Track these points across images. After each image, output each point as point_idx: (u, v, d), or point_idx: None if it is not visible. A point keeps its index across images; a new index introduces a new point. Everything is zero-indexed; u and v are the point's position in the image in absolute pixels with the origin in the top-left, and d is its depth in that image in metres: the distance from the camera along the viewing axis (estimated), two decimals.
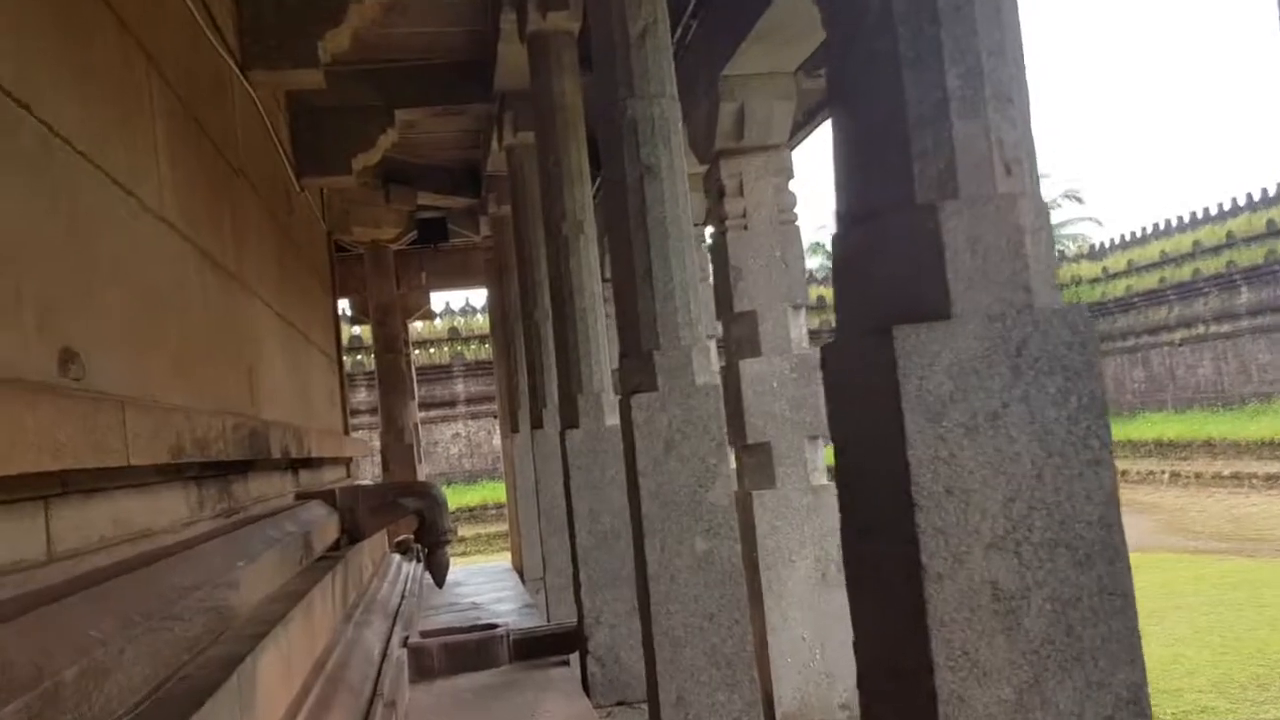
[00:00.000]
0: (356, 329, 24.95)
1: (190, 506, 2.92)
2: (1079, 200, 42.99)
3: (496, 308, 10.17)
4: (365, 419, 22.25)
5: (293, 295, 5.83)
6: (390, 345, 9.81)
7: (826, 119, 5.43)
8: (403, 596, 6.58)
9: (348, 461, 8.01)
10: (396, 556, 8.28)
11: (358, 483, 7.02)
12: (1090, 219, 41.95)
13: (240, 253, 4.18)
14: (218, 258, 3.73)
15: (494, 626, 5.22)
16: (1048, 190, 42.31)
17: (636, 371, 3.03)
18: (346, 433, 8.15)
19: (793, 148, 5.31)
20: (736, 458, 4.92)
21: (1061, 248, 33.58)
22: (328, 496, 4.82)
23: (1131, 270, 29.47)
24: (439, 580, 4.97)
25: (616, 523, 4.71)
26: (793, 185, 5.11)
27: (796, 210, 5.10)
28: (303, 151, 6.43)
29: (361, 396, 23.64)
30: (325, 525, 4.48)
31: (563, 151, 4.82)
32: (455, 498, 23.60)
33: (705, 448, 2.97)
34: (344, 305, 11.33)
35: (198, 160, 3.57)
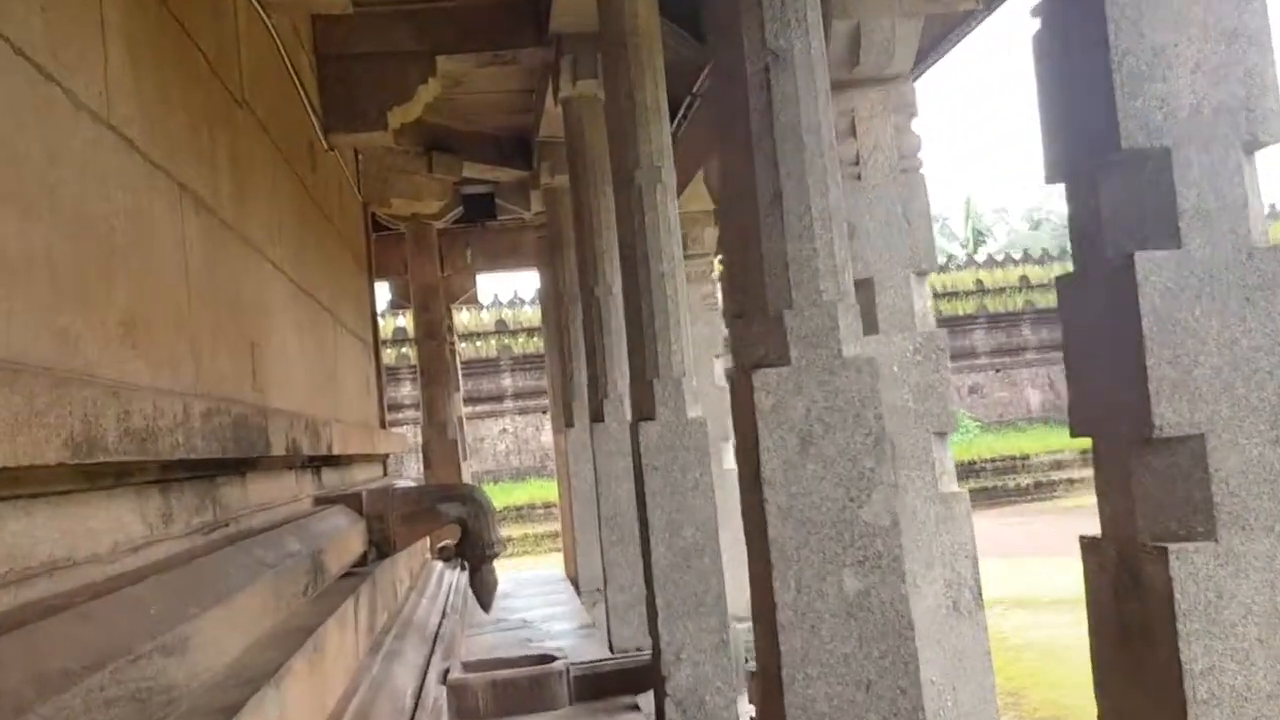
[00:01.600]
0: (401, 319, 24.38)
1: (148, 523, 2.15)
2: None
3: (549, 291, 9.39)
4: (410, 414, 21.65)
5: (316, 266, 5.08)
6: (433, 332, 9.07)
7: (958, 43, 4.65)
8: (444, 614, 5.82)
9: (384, 459, 7.27)
10: (439, 564, 7.53)
11: (393, 483, 6.27)
12: None
13: (241, 200, 3.42)
14: (206, 199, 2.97)
15: (550, 659, 4.42)
16: None
17: (759, 339, 2.19)
18: (384, 426, 7.41)
19: (916, 78, 4.44)
20: None
21: None
22: (352, 501, 4.06)
23: None
24: (485, 603, 4.19)
25: (700, 537, 3.88)
26: (916, 125, 4.26)
27: (921, 156, 4.26)
28: (332, 104, 5.68)
29: (406, 391, 23.06)
30: (347, 537, 3.71)
31: (636, 84, 4.00)
32: (502, 496, 22.93)
33: (858, 444, 2.13)
34: (383, 290, 10.61)
35: (177, 70, 2.79)
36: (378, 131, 5.73)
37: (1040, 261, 29.95)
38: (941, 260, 29.80)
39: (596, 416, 5.89)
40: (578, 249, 6.08)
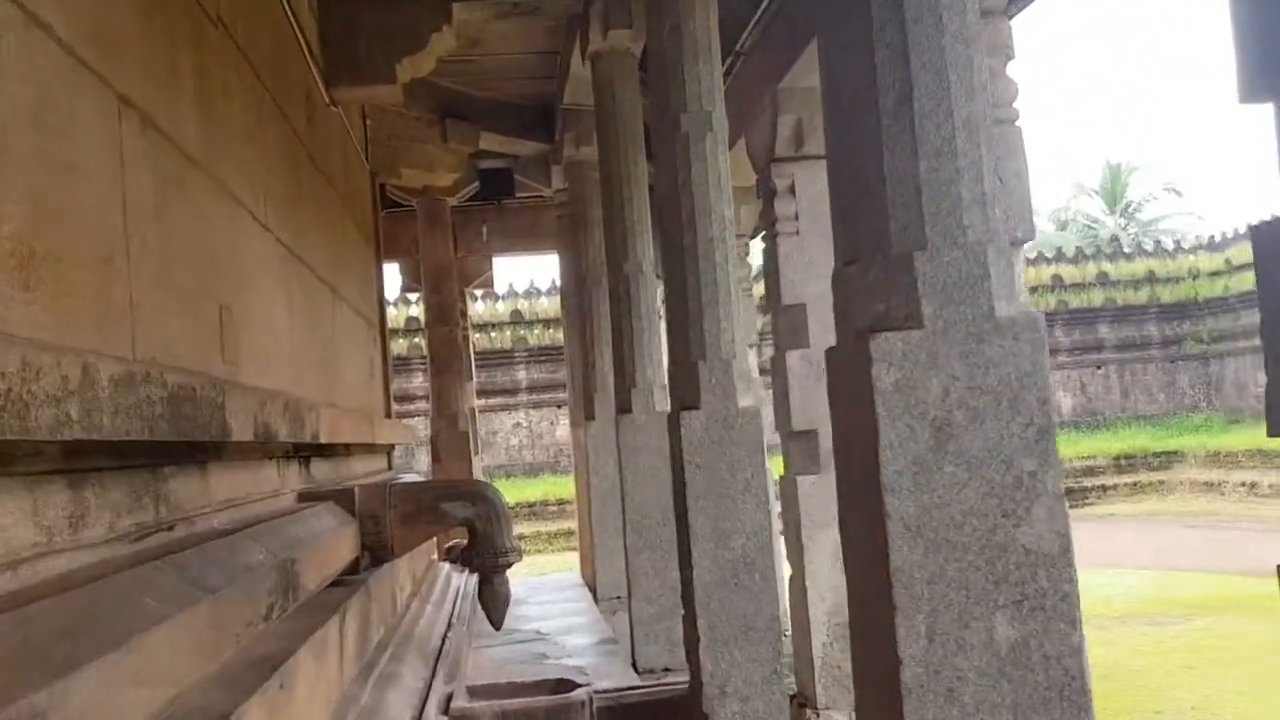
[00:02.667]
0: (415, 308, 23.84)
1: (43, 527, 1.59)
2: (1178, 194, 40.82)
3: (570, 274, 8.82)
4: (421, 405, 21.13)
5: (314, 232, 4.53)
6: (444, 316, 8.51)
7: None
8: (450, 625, 5.26)
9: (389, 451, 6.72)
10: (445, 566, 6.98)
11: (396, 478, 5.72)
12: (1190, 213, 39.81)
13: (211, 134, 2.86)
14: (160, 121, 2.41)
15: (569, 684, 3.86)
16: (1145, 183, 40.31)
17: (876, 292, 1.61)
18: (389, 415, 6.86)
19: (1014, 15, 4.38)
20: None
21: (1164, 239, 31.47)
22: (343, 498, 3.50)
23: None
24: (496, 620, 3.63)
25: (752, 548, 3.31)
26: (1013, 70, 3.97)
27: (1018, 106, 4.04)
28: (334, 53, 5.12)
29: (418, 382, 22.55)
30: (334, 541, 3.15)
31: (685, 11, 3.42)
32: (515, 492, 22.38)
33: (1015, 439, 1.55)
34: (393, 272, 10.06)
35: None
36: (385, 85, 5.17)
37: (1074, 261, 29.20)
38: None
39: (623, 408, 5.32)
40: (605, 224, 5.51)
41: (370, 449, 5.61)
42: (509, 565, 3.63)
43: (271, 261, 3.57)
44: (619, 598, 7.46)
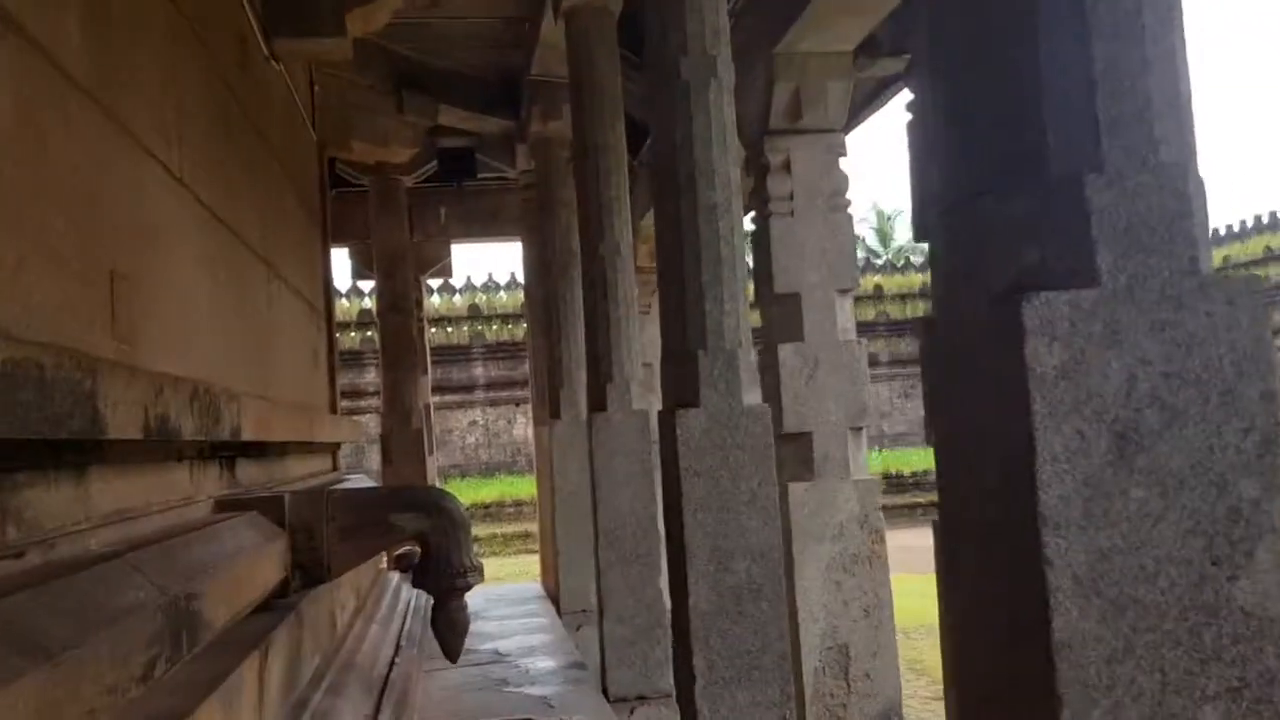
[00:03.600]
0: (368, 301, 23.11)
1: None
2: None
3: (535, 262, 8.28)
4: (373, 402, 20.45)
5: (246, 198, 3.98)
6: (398, 305, 7.93)
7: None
8: (398, 646, 4.72)
9: (333, 450, 6.16)
10: (395, 576, 6.42)
11: (340, 480, 5.16)
12: None
13: (103, 53, 2.31)
14: (25, 22, 1.86)
15: None
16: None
17: (1021, 232, 1.11)
18: (334, 410, 6.29)
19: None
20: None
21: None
22: (269, 507, 2.96)
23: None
24: (452, 650, 3.11)
25: (759, 572, 2.82)
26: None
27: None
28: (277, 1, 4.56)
29: (370, 378, 21.86)
30: (254, 561, 2.61)
31: None
32: (470, 492, 21.77)
33: (1228, 454, 1.06)
34: (342, 258, 9.46)
35: None
36: (333, 38, 4.62)
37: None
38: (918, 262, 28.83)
39: (596, 405, 4.81)
40: (579, 201, 5.00)
41: (310, 449, 5.06)
42: (468, 588, 3.11)
43: (188, 224, 3.02)
44: (585, 611, 6.95)
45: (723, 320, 2.88)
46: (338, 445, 6.34)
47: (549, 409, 7.21)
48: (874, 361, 23.04)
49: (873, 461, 23.70)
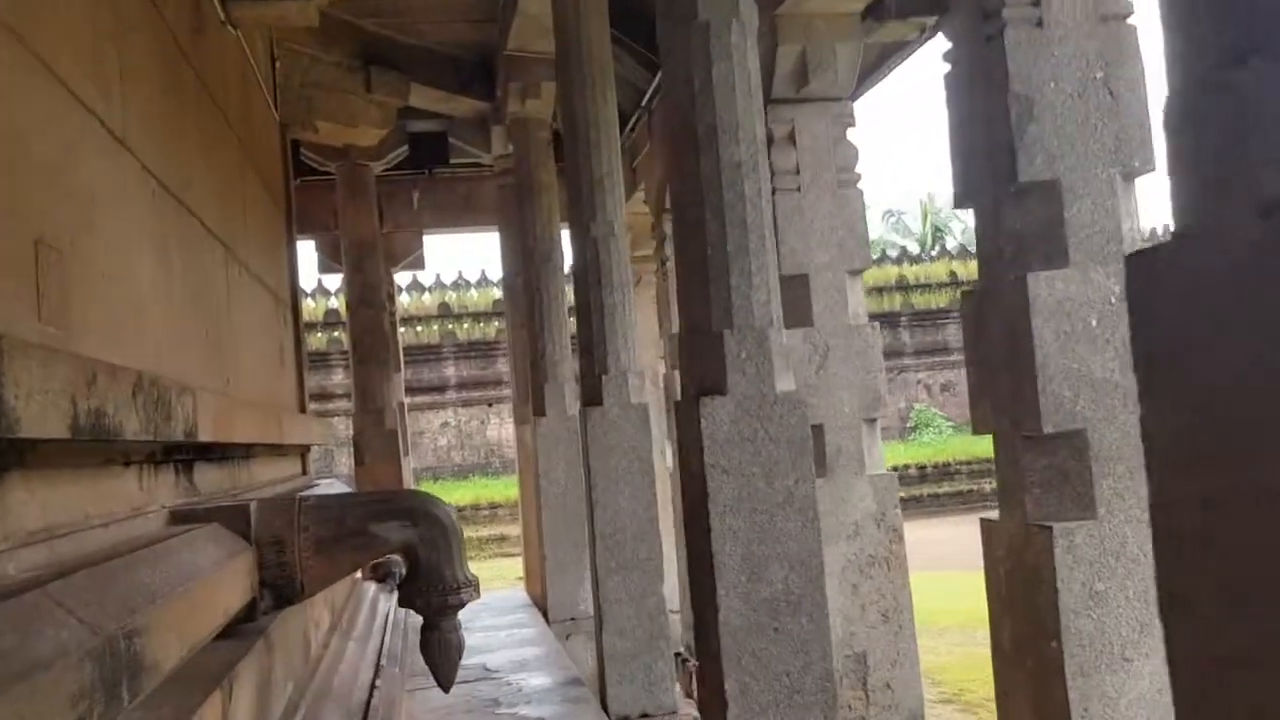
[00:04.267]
0: (335, 300, 22.56)
1: None
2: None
3: (513, 251, 7.90)
4: (342, 404, 19.96)
5: (201, 171, 3.59)
6: (368, 298, 7.54)
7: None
8: (378, 666, 4.35)
9: (303, 453, 5.77)
10: (371, 587, 6.04)
11: (311, 485, 4.79)
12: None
13: None
14: None
15: None
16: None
17: None
18: (304, 410, 5.91)
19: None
20: None
21: None
22: (233, 518, 2.59)
23: None
24: (444, 680, 2.76)
25: (798, 582, 2.49)
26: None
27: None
28: None
29: (339, 379, 21.37)
30: (214, 582, 2.24)
31: None
32: (444, 495, 21.08)
33: None
34: (309, 251, 9.03)
35: None
36: (296, 1, 4.23)
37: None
38: (894, 254, 28.47)
39: (590, 399, 4.45)
40: (568, 179, 4.64)
41: (279, 451, 4.68)
42: (462, 605, 2.75)
43: (132, 193, 2.64)
44: (574, 620, 6.60)
45: (751, 295, 2.54)
46: (308, 448, 5.95)
47: (532, 406, 6.85)
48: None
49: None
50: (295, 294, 6.08)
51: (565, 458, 6.57)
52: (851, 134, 4.65)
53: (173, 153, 3.15)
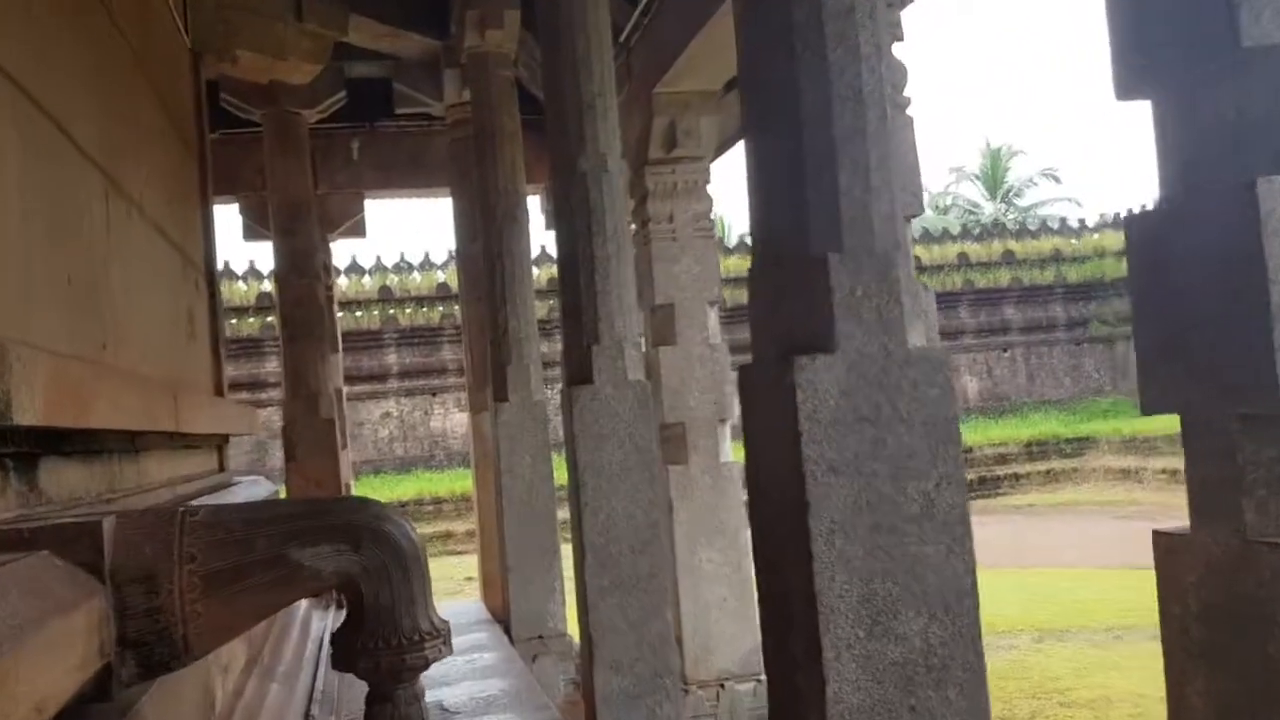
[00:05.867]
0: (268, 283, 21.33)
1: None
2: (1056, 180, 41.26)
3: (469, 213, 6.96)
4: (275, 394, 18.81)
5: (77, 80, 2.68)
6: (301, 265, 6.58)
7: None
8: (308, 711, 3.48)
9: (219, 445, 4.85)
10: (301, 605, 5.14)
11: (220, 490, 3.87)
12: (1068, 199, 40.42)
13: None
14: None
15: None
16: (1025, 169, 40.95)
17: None
18: (220, 392, 4.97)
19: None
20: None
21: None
22: (73, 540, 1.72)
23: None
24: None
25: (941, 635, 1.66)
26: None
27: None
28: None
29: (272, 366, 20.19)
30: (34, 650, 1.37)
31: None
32: (386, 490, 20.24)
33: None
34: (232, 215, 8.02)
35: None
36: None
37: (979, 238, 28.61)
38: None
39: (578, 375, 3.61)
40: (547, 99, 3.78)
41: (186, 443, 3.77)
42: (426, 666, 1.90)
43: None
44: (541, 638, 5.75)
45: (869, 202, 1.71)
46: (226, 439, 5.02)
47: (493, 390, 5.97)
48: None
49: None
50: (210, 256, 5.14)
51: (531, 449, 5.72)
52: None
53: (30, 40, 2.26)
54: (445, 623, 1.96)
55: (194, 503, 3.46)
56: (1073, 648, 8.56)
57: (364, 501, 1.89)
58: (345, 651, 1.90)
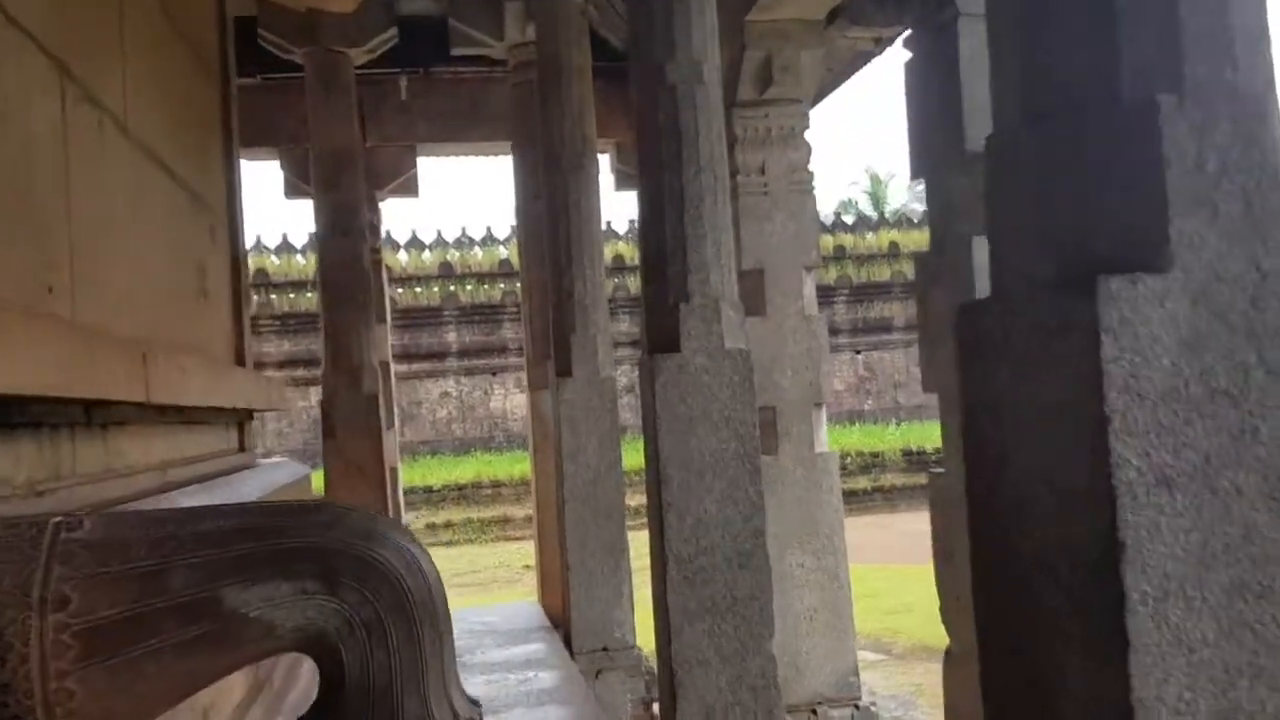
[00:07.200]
0: (301, 258, 20.82)
1: None
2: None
3: (531, 169, 6.25)
4: (318, 371, 18.34)
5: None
6: (344, 224, 5.95)
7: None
8: None
9: (241, 423, 4.22)
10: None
11: (231, 473, 3.24)
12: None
13: None
14: None
15: None
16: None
17: None
18: (242, 361, 4.35)
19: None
20: None
21: None
22: None
23: None
24: None
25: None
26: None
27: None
28: None
29: (311, 342, 19.73)
30: None
31: None
32: (443, 472, 19.77)
33: None
34: (272, 172, 7.43)
35: None
36: None
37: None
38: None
39: (660, 343, 2.89)
40: (633, 24, 3.04)
41: (179, 418, 3.12)
42: None
43: None
44: (606, 650, 5.06)
45: (1226, 8, 0.96)
46: (248, 415, 4.40)
47: (554, 364, 5.29)
48: (834, 330, 20.48)
49: (889, 435, 21.83)
50: (235, 204, 4.50)
51: (598, 432, 5.04)
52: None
53: None
54: (476, 705, 1.26)
55: (177, 493, 2.75)
56: None
57: (345, 512, 1.19)
58: None
